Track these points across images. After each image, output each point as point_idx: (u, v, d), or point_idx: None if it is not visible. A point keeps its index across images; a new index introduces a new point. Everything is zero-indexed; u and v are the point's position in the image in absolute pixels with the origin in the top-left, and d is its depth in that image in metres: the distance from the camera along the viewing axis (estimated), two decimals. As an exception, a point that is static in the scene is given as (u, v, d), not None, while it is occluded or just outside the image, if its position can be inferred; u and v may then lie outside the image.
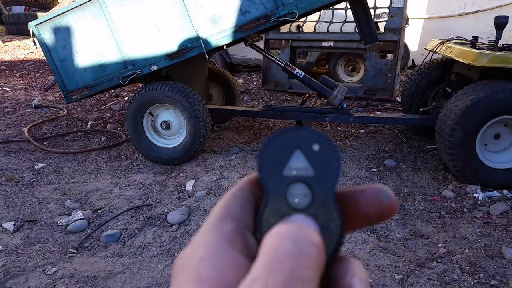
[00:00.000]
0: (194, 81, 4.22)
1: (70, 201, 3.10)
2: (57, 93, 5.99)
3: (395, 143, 4.14)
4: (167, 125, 3.74)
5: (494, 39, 3.32)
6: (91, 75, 3.72)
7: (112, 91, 5.93)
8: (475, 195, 3.08)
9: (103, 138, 4.34)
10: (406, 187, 3.30)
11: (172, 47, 3.54)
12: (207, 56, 3.58)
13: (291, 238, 0.26)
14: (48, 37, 3.66)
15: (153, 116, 3.77)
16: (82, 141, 4.31)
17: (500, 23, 3.26)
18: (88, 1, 3.50)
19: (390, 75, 5.51)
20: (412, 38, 7.27)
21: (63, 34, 3.64)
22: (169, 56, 3.56)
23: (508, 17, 3.26)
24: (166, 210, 2.89)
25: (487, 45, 3.49)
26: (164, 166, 3.68)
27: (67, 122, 4.84)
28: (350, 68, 6.39)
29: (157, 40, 3.55)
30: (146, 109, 3.72)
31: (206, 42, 3.47)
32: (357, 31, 4.54)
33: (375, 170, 3.59)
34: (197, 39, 3.48)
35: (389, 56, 5.77)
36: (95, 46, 3.64)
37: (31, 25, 3.64)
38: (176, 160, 3.68)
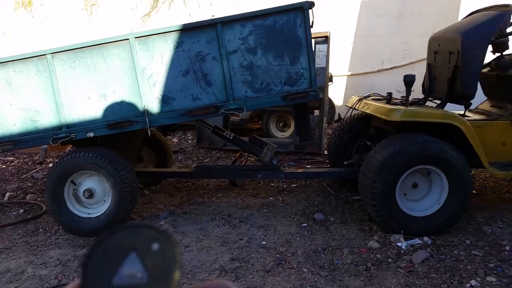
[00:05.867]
0: (127, 145, 4.14)
1: (-25, 287, 2.79)
2: (-26, 163, 5.58)
3: (324, 195, 4.25)
4: (90, 194, 3.57)
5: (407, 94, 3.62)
6: (20, 130, 3.51)
7: (36, 158, 5.63)
8: (399, 244, 3.18)
9: (21, 211, 4.04)
10: (334, 240, 3.35)
11: (115, 117, 3.47)
12: (149, 133, 3.53)
13: None
14: None
15: (75, 184, 3.60)
16: (-3, 215, 3.98)
17: (408, 81, 3.57)
18: (36, 57, 3.38)
19: (317, 130, 5.77)
20: (338, 93, 7.76)
21: None
22: (110, 125, 3.47)
23: (414, 75, 3.58)
24: (85, 288, 2.68)
25: (400, 101, 3.78)
26: (86, 238, 3.47)
27: (-18, 195, 4.48)
28: (281, 124, 6.61)
29: (100, 107, 3.47)
30: (68, 177, 3.55)
31: (151, 119, 3.45)
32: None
33: (305, 225, 3.62)
34: (142, 114, 3.44)
35: (316, 112, 6.09)
36: (32, 101, 3.46)
37: None
38: (99, 230, 3.48)
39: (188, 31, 3.39)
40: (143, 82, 3.42)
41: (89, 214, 3.59)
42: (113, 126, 3.48)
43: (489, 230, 3.41)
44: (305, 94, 3.44)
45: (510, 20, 3.43)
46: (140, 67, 3.40)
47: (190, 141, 6.78)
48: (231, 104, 3.43)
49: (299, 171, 4.22)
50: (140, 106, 3.44)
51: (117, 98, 3.47)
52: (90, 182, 3.62)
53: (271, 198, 4.30)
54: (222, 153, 6.09)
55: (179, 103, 3.45)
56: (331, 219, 3.74)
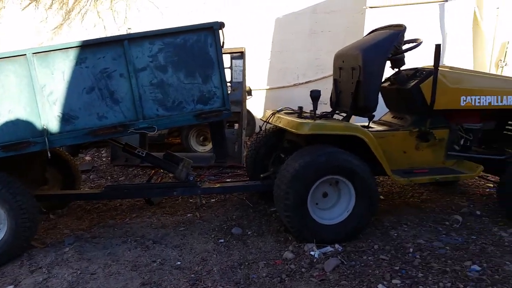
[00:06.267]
0: (27, 167, 3.79)
1: None
2: None
3: (242, 209, 4.24)
4: (-19, 222, 3.20)
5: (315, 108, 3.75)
6: None
7: None
8: (312, 253, 3.24)
9: None
10: (251, 254, 3.33)
11: (10, 138, 3.17)
12: (49, 155, 3.22)
13: None
14: None
15: (-36, 213, 3.20)
16: None
17: (314, 96, 3.71)
18: None
19: (237, 143, 5.78)
20: (258, 106, 7.90)
21: None
22: (4, 147, 3.16)
23: (319, 90, 3.73)
24: (-32, 332, 2.37)
25: (310, 114, 3.90)
26: (-24, 272, 3.09)
27: None
28: (201, 138, 6.54)
29: None
30: (-46, 206, 3.15)
31: (52, 139, 3.20)
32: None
33: (223, 241, 3.57)
34: (41, 134, 3.18)
35: (236, 126, 6.11)
36: None
37: None
38: (-6, 262, 3.13)
39: (92, 47, 3.22)
40: (42, 100, 3.17)
41: (-20, 245, 3.21)
42: (8, 148, 3.17)
43: (395, 234, 3.62)
44: (218, 112, 3.44)
45: (403, 38, 3.72)
46: (39, 85, 3.15)
47: (104, 159, 6.44)
48: (141, 122, 3.31)
49: (217, 186, 4.17)
50: (39, 125, 3.18)
51: (12, 117, 3.17)
52: (-19, 209, 3.25)
53: (189, 215, 4.19)
54: (139, 170, 5.86)
55: (82, 122, 3.24)
56: (249, 232, 3.73)
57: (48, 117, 3.20)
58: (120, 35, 3.38)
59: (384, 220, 3.87)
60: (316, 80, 7.74)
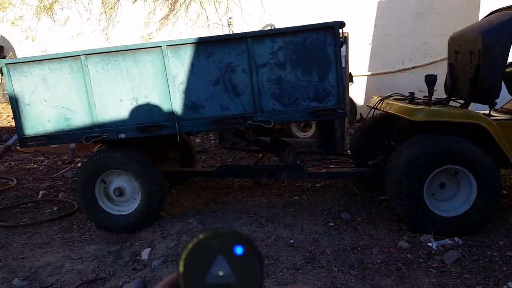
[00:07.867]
0: (155, 145, 4.22)
1: (18, 280, 2.90)
2: (7, 163, 5.75)
3: (349, 195, 4.25)
4: (120, 192, 3.65)
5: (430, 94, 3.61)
6: (53, 126, 3.58)
7: (65, 157, 5.76)
8: (429, 244, 3.17)
9: (55, 208, 4.16)
10: (363, 240, 3.35)
11: (146, 120, 3.54)
12: (178, 139, 3.56)
13: None
14: (18, 78, 3.51)
15: (106, 183, 3.68)
16: (32, 213, 4.11)
17: (430, 81, 3.56)
18: (70, 57, 3.47)
19: (339, 130, 5.75)
20: (358, 93, 7.74)
21: (35, 80, 3.50)
22: (141, 129, 3.54)
23: (436, 75, 3.57)
24: (120, 283, 2.76)
25: (423, 100, 3.76)
26: (118, 234, 3.55)
27: (17, 193, 4.62)
28: (302, 124, 6.62)
29: (132, 110, 3.54)
30: (98, 176, 3.64)
31: (181, 125, 3.51)
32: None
33: (332, 224, 3.64)
34: (172, 119, 3.50)
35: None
36: (66, 100, 3.54)
37: (2, 63, 3.49)
38: (131, 227, 3.57)
39: (219, 42, 3.47)
40: (174, 89, 3.48)
41: (120, 211, 3.68)
42: (144, 129, 3.55)
43: (523, 232, 3.36)
44: (332, 111, 3.49)
45: None
46: (171, 74, 3.46)
47: (212, 142, 6.86)
48: (258, 116, 3.48)
49: (323, 171, 4.23)
50: (171, 112, 3.50)
51: (148, 101, 3.54)
52: (120, 180, 3.70)
53: (296, 197, 4.33)
54: (245, 153, 6.14)
55: (208, 111, 3.50)
56: (358, 219, 3.75)
57: (178, 104, 3.50)
58: (244, 32, 3.59)
59: (508, 217, 3.61)
60: (423, 66, 7.34)
